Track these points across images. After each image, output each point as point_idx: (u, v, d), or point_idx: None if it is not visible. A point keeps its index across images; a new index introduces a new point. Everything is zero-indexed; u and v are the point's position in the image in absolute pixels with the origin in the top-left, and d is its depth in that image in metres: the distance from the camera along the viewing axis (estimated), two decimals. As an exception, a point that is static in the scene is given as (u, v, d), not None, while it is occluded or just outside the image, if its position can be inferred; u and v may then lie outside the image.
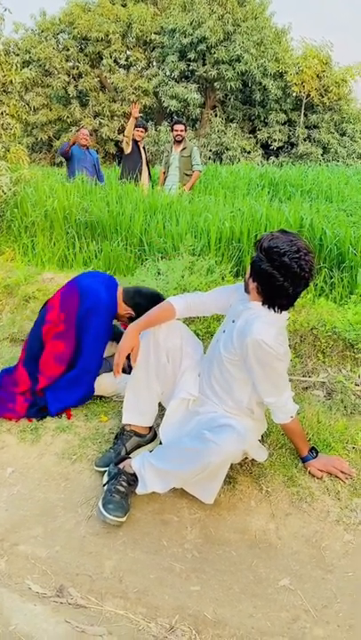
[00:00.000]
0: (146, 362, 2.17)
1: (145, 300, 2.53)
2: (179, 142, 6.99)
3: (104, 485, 2.07)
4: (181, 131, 6.94)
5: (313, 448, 2.20)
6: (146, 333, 2.16)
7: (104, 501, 1.95)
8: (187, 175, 7.01)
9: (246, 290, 2.03)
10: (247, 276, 2.00)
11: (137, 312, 2.51)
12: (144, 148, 7.33)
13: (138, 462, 2.02)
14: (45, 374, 2.56)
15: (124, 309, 2.60)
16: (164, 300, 2.43)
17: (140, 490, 2.00)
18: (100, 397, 2.74)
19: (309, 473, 2.16)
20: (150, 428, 2.33)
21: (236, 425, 1.90)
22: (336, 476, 2.14)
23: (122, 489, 1.99)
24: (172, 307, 2.19)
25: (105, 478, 2.10)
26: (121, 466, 2.06)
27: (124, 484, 2.00)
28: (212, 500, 1.97)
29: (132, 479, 2.01)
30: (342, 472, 2.14)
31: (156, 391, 2.23)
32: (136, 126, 7.22)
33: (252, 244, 4.50)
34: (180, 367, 2.19)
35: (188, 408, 2.16)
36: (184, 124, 7.04)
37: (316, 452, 2.19)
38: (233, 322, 2.05)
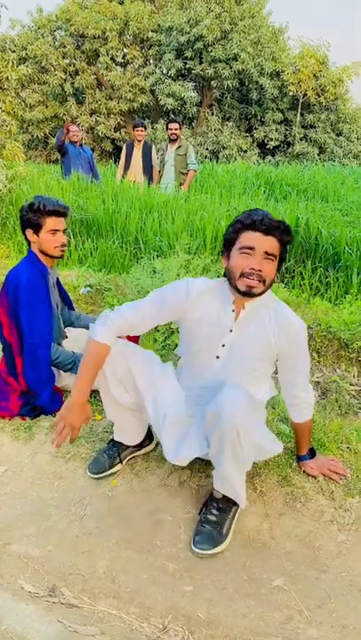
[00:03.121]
0: (112, 402, 2.05)
1: (32, 205, 2.50)
2: (174, 141, 6.99)
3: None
4: (176, 129, 6.93)
5: (311, 448, 2.19)
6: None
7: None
8: (182, 174, 7.01)
9: (249, 293, 1.81)
10: (269, 275, 1.80)
11: (39, 210, 2.48)
12: (147, 145, 7.27)
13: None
14: (19, 371, 2.56)
15: (45, 234, 2.52)
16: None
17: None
18: (94, 396, 2.72)
19: (304, 472, 2.16)
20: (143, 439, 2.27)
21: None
22: (330, 478, 2.14)
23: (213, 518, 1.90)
24: (104, 345, 1.89)
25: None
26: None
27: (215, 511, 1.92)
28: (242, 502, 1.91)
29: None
30: (337, 473, 2.14)
31: (136, 417, 2.12)
32: (135, 126, 7.21)
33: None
34: (137, 389, 1.99)
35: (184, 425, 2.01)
36: (179, 123, 7.04)
37: (314, 454, 2.18)
38: (231, 331, 1.91)
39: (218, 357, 1.94)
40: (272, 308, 1.91)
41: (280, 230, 1.78)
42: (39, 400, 2.53)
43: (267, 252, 1.77)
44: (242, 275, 1.78)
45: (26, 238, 2.58)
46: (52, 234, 2.52)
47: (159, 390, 1.98)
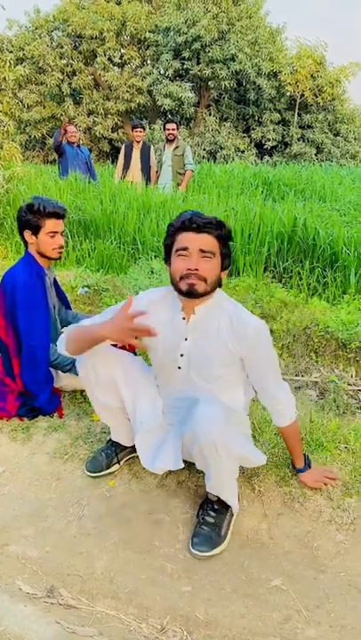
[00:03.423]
0: (101, 407, 2.06)
1: (32, 206, 2.49)
2: (171, 141, 7.01)
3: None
4: (173, 130, 6.95)
5: (306, 457, 2.09)
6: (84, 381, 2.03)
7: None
8: (180, 174, 7.02)
9: (192, 293, 1.77)
10: (208, 274, 1.77)
11: (38, 212, 2.47)
12: (145, 146, 7.27)
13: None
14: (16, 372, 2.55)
15: (44, 236, 2.51)
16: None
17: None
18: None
19: (305, 485, 2.09)
20: None
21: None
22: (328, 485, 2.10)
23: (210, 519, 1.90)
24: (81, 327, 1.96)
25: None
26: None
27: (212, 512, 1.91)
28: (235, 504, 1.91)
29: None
30: (333, 479, 2.08)
31: (128, 419, 2.08)
32: (134, 127, 7.23)
33: (246, 244, 4.50)
34: (120, 395, 2.00)
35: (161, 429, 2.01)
36: (176, 123, 7.07)
37: (309, 462, 2.09)
38: (186, 340, 1.88)
39: (180, 368, 1.92)
40: (226, 311, 1.85)
41: (212, 226, 1.76)
42: (37, 401, 2.53)
43: (202, 250, 1.75)
44: (181, 277, 1.76)
45: (23, 239, 2.57)
46: (51, 236, 2.51)
47: (138, 397, 1.99)
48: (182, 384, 1.94)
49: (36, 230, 2.50)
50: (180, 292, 1.79)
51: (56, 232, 2.52)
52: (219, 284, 1.85)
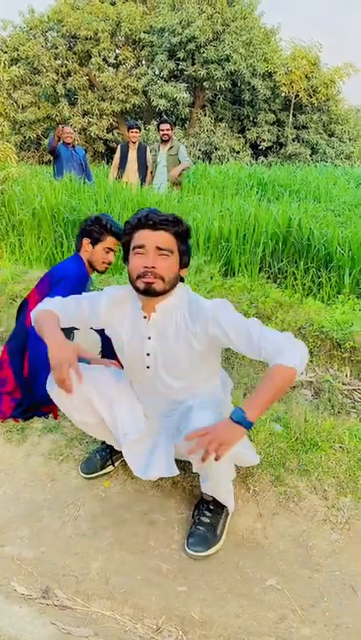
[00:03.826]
0: (80, 424, 2.02)
1: (100, 220, 2.65)
2: (165, 142, 7.02)
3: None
4: (168, 130, 6.96)
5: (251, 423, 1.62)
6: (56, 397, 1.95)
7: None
8: (175, 174, 7.03)
9: (149, 291, 1.74)
10: (165, 272, 1.74)
11: (104, 227, 2.62)
12: (141, 147, 7.29)
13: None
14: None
15: (100, 249, 2.66)
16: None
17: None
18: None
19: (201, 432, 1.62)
20: None
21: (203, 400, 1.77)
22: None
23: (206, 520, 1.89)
24: (49, 310, 1.91)
25: None
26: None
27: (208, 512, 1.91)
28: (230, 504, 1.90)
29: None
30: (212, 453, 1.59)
31: (110, 431, 2.02)
32: (130, 127, 7.24)
33: (240, 244, 4.51)
34: (96, 412, 1.95)
35: (150, 437, 1.97)
36: (170, 124, 7.08)
37: (249, 424, 1.61)
38: (149, 338, 1.84)
39: (148, 367, 1.88)
40: (186, 303, 1.81)
41: (169, 223, 1.74)
42: (38, 392, 2.50)
43: (159, 248, 1.72)
44: (138, 276, 1.74)
45: (78, 243, 2.71)
46: (107, 251, 2.69)
47: (115, 409, 1.95)
48: (154, 383, 1.91)
49: (95, 242, 2.67)
50: (137, 290, 1.77)
51: (111, 249, 2.70)
52: (181, 279, 1.84)
